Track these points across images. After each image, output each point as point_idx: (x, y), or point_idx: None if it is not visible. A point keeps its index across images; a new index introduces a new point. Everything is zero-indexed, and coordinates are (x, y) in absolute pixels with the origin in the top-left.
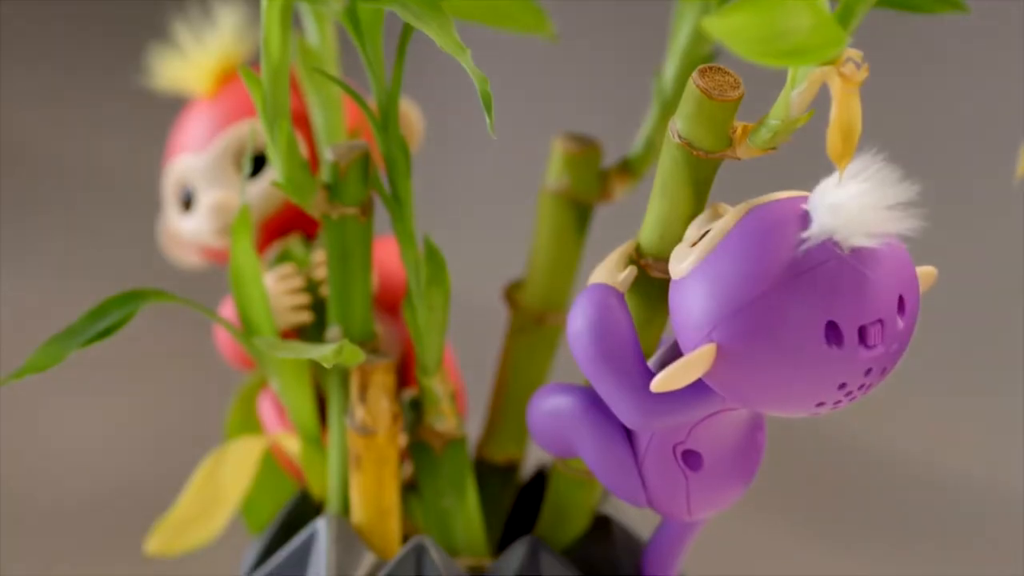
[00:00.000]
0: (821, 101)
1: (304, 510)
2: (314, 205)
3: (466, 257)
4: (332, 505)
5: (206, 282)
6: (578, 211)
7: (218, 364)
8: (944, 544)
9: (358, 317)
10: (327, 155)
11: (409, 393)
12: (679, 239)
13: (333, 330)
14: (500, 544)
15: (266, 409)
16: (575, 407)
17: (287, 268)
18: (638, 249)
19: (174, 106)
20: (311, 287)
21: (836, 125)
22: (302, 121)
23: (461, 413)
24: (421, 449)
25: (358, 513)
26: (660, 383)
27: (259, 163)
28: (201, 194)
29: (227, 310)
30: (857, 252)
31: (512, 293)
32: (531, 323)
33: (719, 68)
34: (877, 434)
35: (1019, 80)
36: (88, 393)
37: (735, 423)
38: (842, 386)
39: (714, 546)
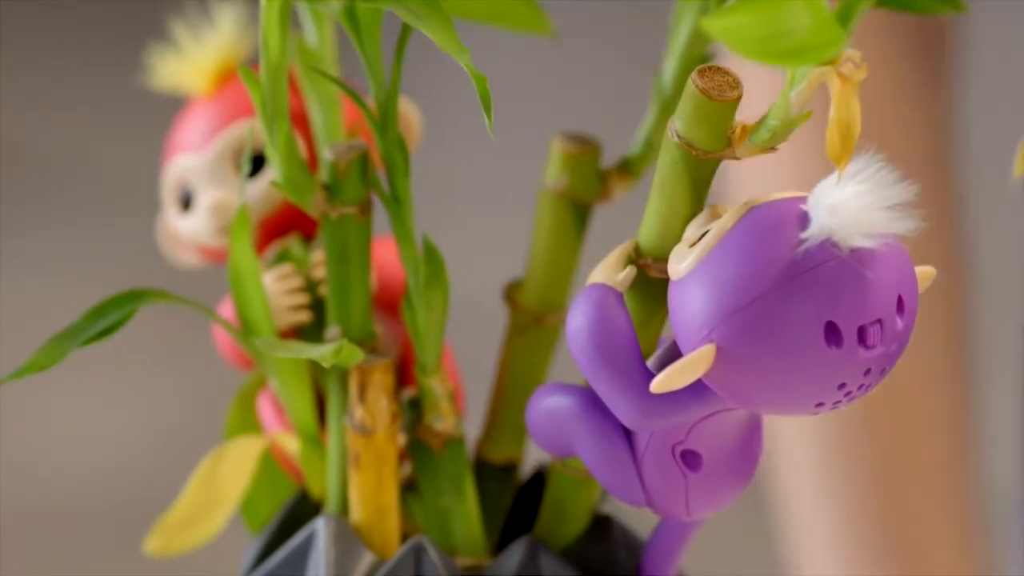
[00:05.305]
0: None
1: (303, 509)
2: (313, 205)
3: (465, 257)
4: (331, 504)
5: (205, 282)
6: (577, 211)
7: (217, 364)
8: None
9: (357, 317)
10: (326, 155)
11: (408, 393)
12: (678, 239)
13: (332, 330)
14: (499, 544)
15: (265, 409)
16: (574, 407)
17: (286, 268)
18: (637, 249)
19: (173, 106)
20: (310, 287)
21: (835, 125)
22: (301, 121)
23: (460, 413)
24: (420, 449)
25: (357, 512)
26: (659, 384)
27: (258, 163)
28: (200, 194)
29: (226, 310)
30: (856, 252)
31: (511, 293)
32: (530, 323)
33: (718, 68)
34: None
35: (1019, 78)
36: (87, 393)
37: (734, 423)
38: (841, 386)
39: (713, 546)
